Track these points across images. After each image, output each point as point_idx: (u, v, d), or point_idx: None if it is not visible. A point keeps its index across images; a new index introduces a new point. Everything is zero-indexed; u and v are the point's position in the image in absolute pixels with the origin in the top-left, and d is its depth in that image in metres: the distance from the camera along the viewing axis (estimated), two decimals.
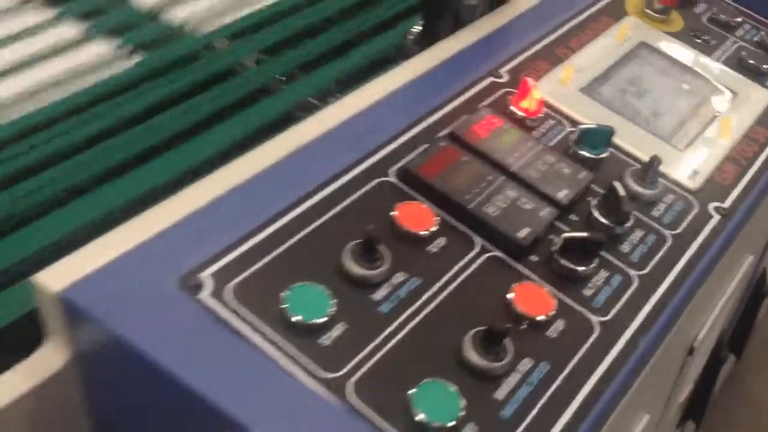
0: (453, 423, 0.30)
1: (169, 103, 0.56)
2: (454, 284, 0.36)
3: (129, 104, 0.53)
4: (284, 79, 0.63)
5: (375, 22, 0.71)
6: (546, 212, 0.39)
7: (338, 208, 0.37)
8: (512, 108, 0.45)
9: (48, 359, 0.33)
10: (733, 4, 0.65)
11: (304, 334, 0.32)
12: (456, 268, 0.36)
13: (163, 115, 0.53)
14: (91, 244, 0.33)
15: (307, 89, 0.61)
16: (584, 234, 0.37)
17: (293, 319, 0.32)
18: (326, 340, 0.32)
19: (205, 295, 0.32)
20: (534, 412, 0.32)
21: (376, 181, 0.39)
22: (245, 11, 0.69)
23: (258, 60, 0.65)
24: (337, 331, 0.32)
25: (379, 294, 0.34)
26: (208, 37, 0.64)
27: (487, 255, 0.37)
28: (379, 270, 0.34)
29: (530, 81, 0.45)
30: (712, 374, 0.69)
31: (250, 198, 0.37)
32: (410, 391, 0.30)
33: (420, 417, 0.30)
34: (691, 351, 0.54)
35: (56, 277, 0.32)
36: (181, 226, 0.35)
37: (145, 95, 0.54)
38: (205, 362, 0.30)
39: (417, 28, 0.58)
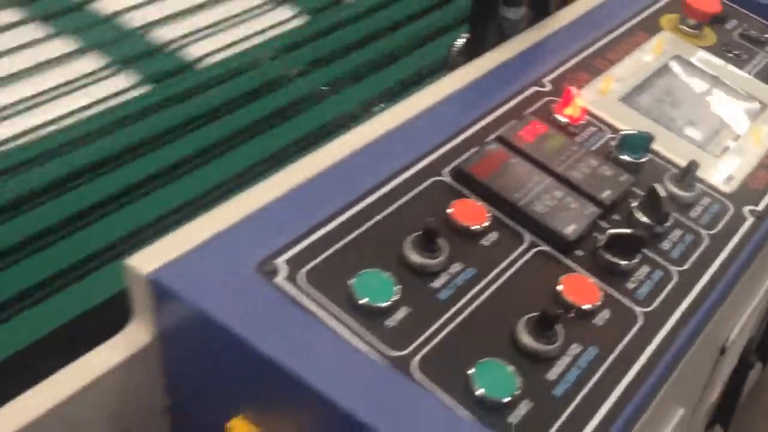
0: (509, 398, 0.33)
1: (226, 107, 0.60)
2: (506, 275, 0.38)
3: (201, 104, 0.57)
4: (326, 89, 0.67)
5: (415, 37, 0.74)
6: (590, 211, 0.42)
7: (398, 204, 0.40)
8: (556, 115, 0.48)
9: (135, 336, 0.36)
10: (763, 21, 0.68)
11: (371, 316, 0.35)
12: (507, 261, 0.39)
13: (231, 115, 0.57)
14: (177, 231, 0.36)
15: (352, 100, 0.65)
16: (628, 231, 0.39)
17: (361, 302, 0.35)
18: (391, 322, 0.35)
19: (281, 279, 0.35)
20: (583, 392, 0.34)
21: (431, 180, 0.42)
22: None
23: (301, 72, 0.68)
24: (401, 314, 0.35)
25: (437, 282, 0.37)
26: (258, 51, 0.68)
27: (536, 249, 0.40)
28: (437, 260, 0.37)
29: (573, 90, 0.48)
30: (740, 378, 0.71)
31: (318, 192, 0.40)
32: (470, 370, 0.33)
33: (480, 392, 0.32)
34: (723, 350, 0.56)
35: (146, 261, 0.35)
36: (256, 217, 0.38)
37: (211, 98, 0.58)
38: (283, 337, 0.33)
39: (461, 41, 0.61)
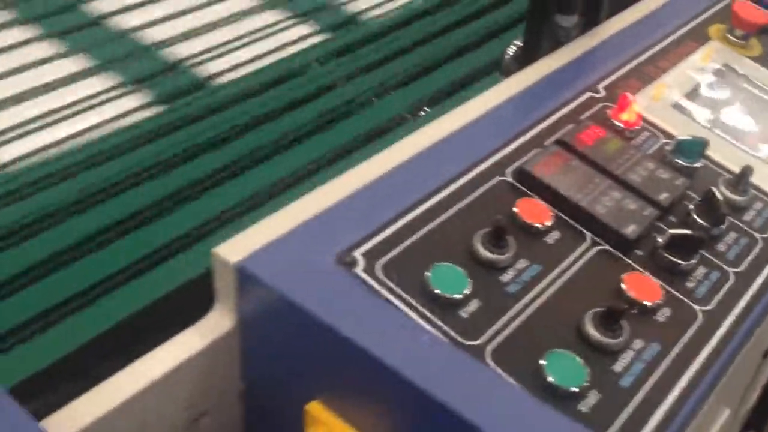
0: (579, 388, 0.34)
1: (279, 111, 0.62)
2: (570, 272, 0.40)
3: (261, 107, 0.59)
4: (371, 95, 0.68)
5: (461, 43, 0.76)
6: (648, 212, 0.43)
7: (465, 201, 0.42)
8: (612, 120, 0.49)
9: (217, 322, 0.38)
10: None
11: (445, 307, 0.36)
12: (570, 258, 0.41)
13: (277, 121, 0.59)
14: (260, 222, 0.38)
15: (401, 103, 0.67)
16: (688, 231, 0.41)
17: (436, 293, 0.36)
18: (464, 313, 0.36)
19: (359, 270, 0.37)
20: (648, 385, 0.36)
21: (496, 179, 0.44)
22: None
23: (350, 77, 0.70)
24: (472, 306, 0.37)
25: (505, 277, 0.39)
26: (305, 57, 0.70)
27: (597, 248, 0.42)
28: (505, 256, 0.39)
29: (630, 96, 0.50)
30: None
31: (389, 189, 0.41)
32: (541, 360, 0.35)
33: (551, 380, 0.34)
34: (765, 354, 0.57)
35: (233, 250, 0.37)
36: (333, 211, 0.40)
37: (274, 101, 0.60)
38: (364, 322, 0.34)
39: (513, 47, 0.63)
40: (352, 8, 0.81)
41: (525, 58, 0.58)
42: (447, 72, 0.74)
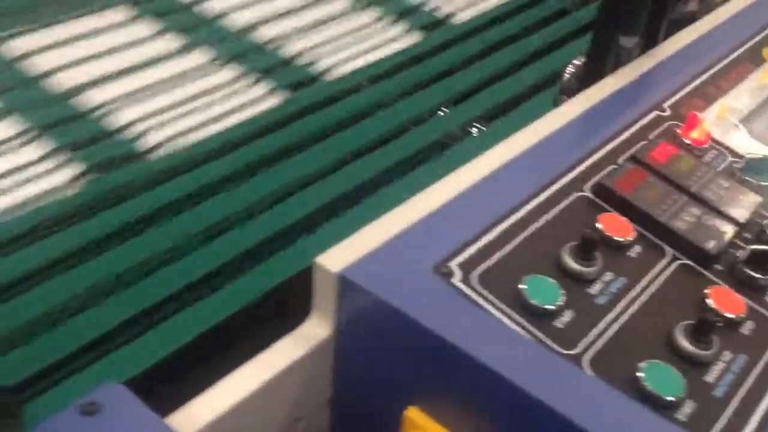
0: (676, 398, 0.35)
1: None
2: (654, 285, 0.41)
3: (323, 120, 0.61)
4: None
5: (511, 62, 0.77)
6: (726, 228, 0.44)
7: (549, 215, 0.43)
8: (682, 138, 0.51)
9: (315, 330, 0.40)
10: None
11: (541, 318, 0.37)
12: (653, 272, 0.42)
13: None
14: (358, 232, 0.40)
15: (455, 120, 0.68)
16: None
17: (531, 304, 0.37)
18: (559, 323, 0.38)
19: (457, 280, 0.38)
20: (739, 395, 0.37)
21: (575, 195, 0.45)
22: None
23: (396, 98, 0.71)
24: (566, 317, 0.38)
25: (594, 289, 0.40)
26: (352, 79, 0.71)
27: (678, 262, 0.43)
28: (593, 268, 0.40)
29: (699, 115, 0.51)
30: None
31: (476, 202, 0.43)
32: (638, 371, 0.36)
33: (650, 389, 0.35)
34: None
35: (334, 259, 0.38)
36: (427, 222, 0.41)
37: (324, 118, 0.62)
38: (466, 328, 0.36)
39: (572, 66, 0.64)
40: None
41: (587, 78, 0.59)
42: (497, 90, 0.75)
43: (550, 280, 0.39)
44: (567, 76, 0.64)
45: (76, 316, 0.45)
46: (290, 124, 0.64)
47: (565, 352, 0.36)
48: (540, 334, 0.37)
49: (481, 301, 0.38)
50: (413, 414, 0.38)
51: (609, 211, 0.45)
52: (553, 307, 0.38)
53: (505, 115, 0.70)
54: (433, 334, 0.36)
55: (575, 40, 0.81)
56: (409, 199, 0.58)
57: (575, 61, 0.64)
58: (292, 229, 0.52)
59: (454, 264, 0.39)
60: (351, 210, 0.58)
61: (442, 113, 0.71)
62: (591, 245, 0.40)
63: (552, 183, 0.46)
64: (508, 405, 0.35)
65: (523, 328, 0.37)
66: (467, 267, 0.39)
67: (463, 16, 0.83)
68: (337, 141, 0.63)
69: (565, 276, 0.40)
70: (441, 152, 0.66)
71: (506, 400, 0.35)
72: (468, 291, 0.38)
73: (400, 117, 0.68)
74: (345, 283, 0.38)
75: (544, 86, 0.74)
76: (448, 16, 0.83)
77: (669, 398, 0.35)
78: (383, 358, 0.39)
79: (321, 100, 0.68)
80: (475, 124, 0.69)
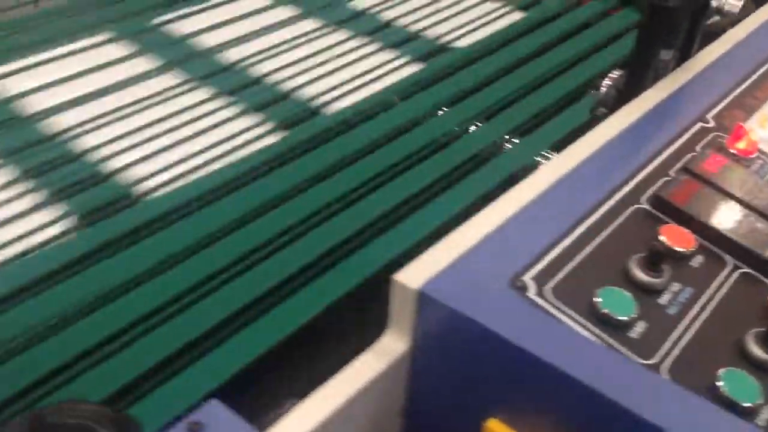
0: (754, 404, 0.36)
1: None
2: (720, 293, 0.42)
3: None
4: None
5: (546, 72, 0.78)
6: None
7: (610, 228, 0.44)
8: (729, 148, 0.52)
9: (392, 345, 0.40)
10: None
11: (616, 328, 0.38)
12: (717, 281, 0.43)
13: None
14: (432, 249, 0.41)
15: (489, 135, 0.69)
16: None
17: (606, 315, 0.38)
18: (634, 334, 0.39)
19: (532, 294, 0.39)
20: None
21: (633, 207, 0.46)
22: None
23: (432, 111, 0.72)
24: (640, 327, 0.39)
25: (663, 299, 0.41)
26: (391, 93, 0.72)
27: (740, 271, 0.44)
28: (662, 279, 0.41)
29: (744, 125, 0.52)
30: None
31: (539, 217, 0.44)
32: (717, 380, 0.37)
33: (730, 397, 0.36)
34: None
35: (412, 276, 0.39)
36: (495, 236, 0.42)
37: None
38: (547, 340, 0.36)
39: (609, 80, 0.65)
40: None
41: (628, 91, 0.60)
42: (529, 104, 0.76)
43: (624, 291, 0.40)
44: (604, 88, 0.65)
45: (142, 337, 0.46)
46: (331, 141, 0.65)
47: (644, 362, 0.37)
48: (618, 345, 0.38)
49: (557, 313, 0.39)
50: (494, 425, 0.38)
51: (667, 223, 0.46)
52: (628, 318, 0.39)
53: (538, 128, 0.71)
54: (515, 346, 0.36)
55: (598, 53, 0.82)
56: (453, 213, 0.59)
57: (612, 74, 0.66)
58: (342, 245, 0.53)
59: (527, 277, 0.40)
60: (398, 225, 0.59)
61: (474, 128, 0.72)
62: (659, 257, 0.41)
63: (609, 196, 0.47)
64: (593, 414, 0.35)
65: (601, 339, 0.38)
66: (540, 280, 0.40)
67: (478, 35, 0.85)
68: (370, 160, 0.64)
69: (634, 287, 0.41)
70: (478, 167, 0.67)
71: (591, 409, 0.35)
72: (543, 303, 0.39)
73: (433, 132, 0.69)
74: (424, 299, 0.39)
75: (574, 98, 0.75)
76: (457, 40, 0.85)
77: (747, 404, 0.36)
78: (461, 371, 0.40)
79: (350, 119, 0.69)
80: (507, 137, 0.70)
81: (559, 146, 0.66)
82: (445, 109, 0.72)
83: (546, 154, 0.68)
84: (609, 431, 0.36)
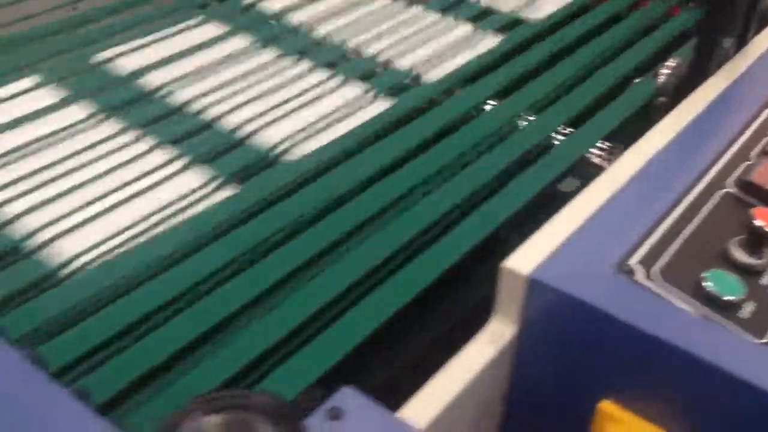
0: None
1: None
2: None
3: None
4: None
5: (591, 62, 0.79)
6: None
7: (704, 212, 0.45)
8: None
9: (500, 332, 0.41)
10: None
11: (726, 310, 0.39)
12: None
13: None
14: (537, 234, 0.42)
15: (547, 125, 0.69)
16: None
17: (716, 296, 0.39)
18: (744, 314, 0.39)
19: (639, 276, 0.40)
20: None
21: (721, 191, 0.47)
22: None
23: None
24: (749, 308, 0.40)
25: (765, 279, 0.42)
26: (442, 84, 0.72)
27: None
28: (763, 260, 0.42)
29: None
30: None
31: (635, 201, 0.45)
32: None
33: None
34: None
35: (521, 262, 0.40)
36: (596, 220, 0.43)
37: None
38: (662, 321, 0.37)
39: (667, 68, 0.66)
40: None
41: (692, 79, 0.61)
42: (578, 95, 0.75)
43: (730, 272, 0.40)
44: (663, 77, 0.66)
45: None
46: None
47: (758, 341, 0.38)
48: (730, 324, 0.39)
49: (667, 295, 0.39)
50: (608, 407, 0.39)
51: (754, 205, 0.46)
52: (737, 299, 0.39)
53: (592, 116, 0.71)
54: (631, 326, 0.37)
55: (639, 42, 0.83)
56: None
57: (669, 63, 0.67)
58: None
59: (633, 261, 0.41)
60: (466, 219, 0.58)
61: (526, 121, 0.71)
62: (759, 239, 0.42)
63: (695, 182, 0.48)
64: (713, 391, 0.36)
65: (713, 320, 0.39)
66: (646, 263, 0.41)
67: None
68: (438, 150, 0.63)
69: (736, 269, 0.42)
70: (536, 159, 0.66)
71: (711, 387, 0.36)
72: (652, 286, 0.39)
73: (491, 124, 0.69)
74: (534, 285, 0.39)
75: (623, 86, 0.75)
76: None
77: None
78: (570, 355, 0.40)
79: (418, 106, 0.69)
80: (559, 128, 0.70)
81: (612, 137, 0.66)
82: (493, 103, 0.72)
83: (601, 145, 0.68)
84: (728, 408, 0.36)
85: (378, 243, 0.51)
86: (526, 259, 0.40)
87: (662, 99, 0.65)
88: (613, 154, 0.65)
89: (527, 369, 0.43)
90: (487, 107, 0.71)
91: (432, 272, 0.49)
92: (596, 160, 0.66)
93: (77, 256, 0.49)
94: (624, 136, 0.65)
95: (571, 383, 0.41)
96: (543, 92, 0.73)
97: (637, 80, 0.71)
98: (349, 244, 0.52)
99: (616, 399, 0.40)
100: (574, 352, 0.40)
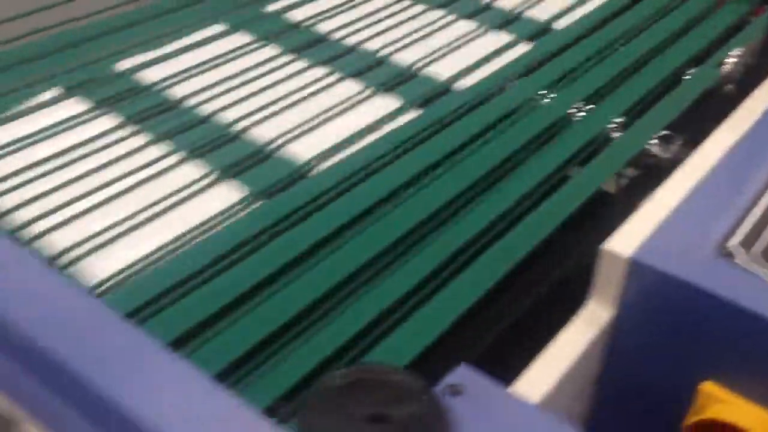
0: None
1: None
2: None
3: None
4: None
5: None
6: None
7: None
8: None
9: (597, 313, 0.41)
10: None
11: None
12: None
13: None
14: (634, 217, 0.42)
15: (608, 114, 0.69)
16: None
17: None
18: None
19: (740, 257, 0.40)
20: None
21: None
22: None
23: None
24: None
25: None
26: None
27: None
28: None
29: None
30: None
31: (723, 184, 0.45)
32: None
33: None
34: None
35: (621, 244, 0.40)
36: (690, 203, 0.43)
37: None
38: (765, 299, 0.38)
39: (735, 55, 0.66)
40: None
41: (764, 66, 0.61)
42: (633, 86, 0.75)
43: None
44: (728, 66, 0.66)
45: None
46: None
47: None
48: None
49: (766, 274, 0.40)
50: (710, 387, 0.39)
51: None
52: None
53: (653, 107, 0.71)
54: (736, 306, 0.37)
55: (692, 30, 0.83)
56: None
57: (735, 51, 0.67)
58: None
59: (733, 243, 0.41)
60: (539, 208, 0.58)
61: (584, 113, 0.71)
62: None
63: None
64: None
65: None
66: (746, 244, 0.41)
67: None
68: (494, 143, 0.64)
69: None
70: (597, 151, 0.66)
71: None
72: (754, 266, 0.40)
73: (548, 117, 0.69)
74: (635, 266, 0.40)
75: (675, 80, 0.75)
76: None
77: None
78: (669, 336, 0.41)
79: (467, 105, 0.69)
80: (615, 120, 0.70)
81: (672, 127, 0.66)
82: (549, 95, 0.72)
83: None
84: None
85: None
86: (626, 241, 0.41)
87: (729, 87, 0.65)
88: (670, 143, 0.66)
89: (623, 351, 0.43)
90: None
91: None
92: (655, 150, 0.66)
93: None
94: (678, 126, 0.65)
95: (671, 365, 0.42)
96: (596, 85, 0.73)
97: (692, 70, 0.71)
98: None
99: (717, 380, 0.40)
100: (675, 333, 0.41)
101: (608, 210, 0.60)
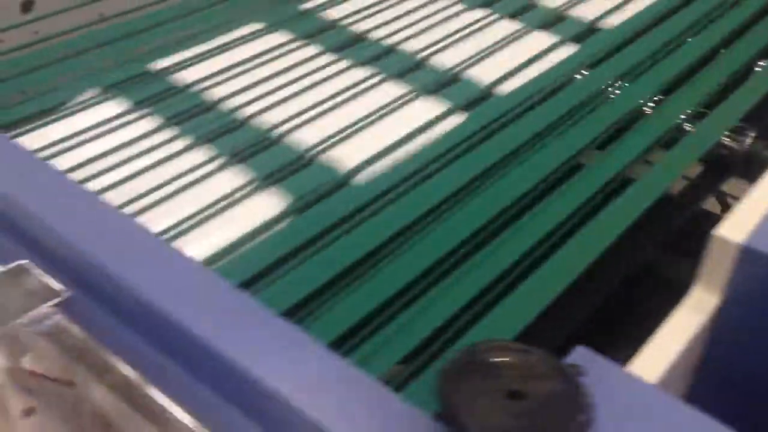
0: None
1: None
2: None
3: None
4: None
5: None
6: None
7: None
8: None
9: (704, 300, 0.41)
10: None
11: None
12: None
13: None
14: (743, 203, 0.42)
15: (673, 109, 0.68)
16: None
17: None
18: None
19: None
20: None
21: None
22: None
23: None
24: None
25: None
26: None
27: None
28: None
29: None
30: None
31: None
32: None
33: None
34: None
35: (733, 231, 0.40)
36: None
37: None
38: None
39: None
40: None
41: None
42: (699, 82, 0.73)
43: None
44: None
45: None
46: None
47: None
48: None
49: None
50: None
51: None
52: None
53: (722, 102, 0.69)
54: None
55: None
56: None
57: None
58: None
59: None
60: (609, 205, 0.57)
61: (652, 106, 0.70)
62: None
63: None
64: None
65: None
66: None
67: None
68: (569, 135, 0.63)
69: None
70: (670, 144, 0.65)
71: None
72: None
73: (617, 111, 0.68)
74: (748, 252, 0.40)
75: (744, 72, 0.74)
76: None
77: None
78: None
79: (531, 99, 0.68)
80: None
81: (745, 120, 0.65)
82: (619, 86, 0.71)
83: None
84: None
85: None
86: (737, 227, 0.41)
87: None
88: (742, 135, 0.65)
89: (728, 337, 0.43)
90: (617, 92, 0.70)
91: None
92: (726, 141, 0.66)
93: None
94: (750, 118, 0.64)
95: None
96: (665, 78, 0.72)
97: (762, 62, 0.70)
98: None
99: None
100: None
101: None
